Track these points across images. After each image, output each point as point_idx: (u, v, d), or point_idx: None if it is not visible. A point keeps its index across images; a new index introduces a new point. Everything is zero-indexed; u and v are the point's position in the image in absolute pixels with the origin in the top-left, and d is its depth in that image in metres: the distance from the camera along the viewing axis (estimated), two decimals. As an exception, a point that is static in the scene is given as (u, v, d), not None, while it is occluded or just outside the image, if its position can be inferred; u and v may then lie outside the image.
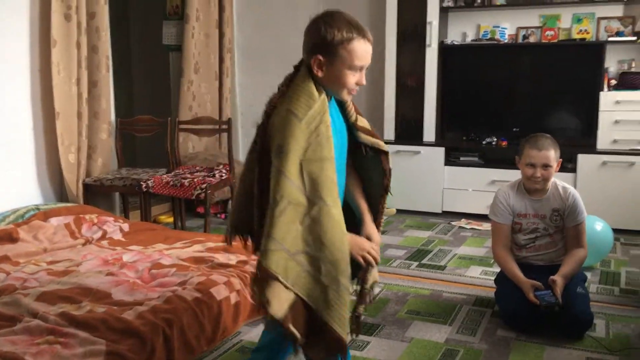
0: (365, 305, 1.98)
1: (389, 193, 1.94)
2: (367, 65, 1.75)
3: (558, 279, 2.62)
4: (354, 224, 1.87)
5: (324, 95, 1.72)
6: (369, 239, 1.86)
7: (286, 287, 1.64)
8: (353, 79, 1.73)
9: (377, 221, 1.95)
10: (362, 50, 1.70)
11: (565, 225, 2.81)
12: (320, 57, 1.70)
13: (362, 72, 1.75)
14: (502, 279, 2.86)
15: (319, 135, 1.66)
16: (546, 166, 2.71)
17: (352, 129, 1.90)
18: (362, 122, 1.92)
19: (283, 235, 1.62)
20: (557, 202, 2.79)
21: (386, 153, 1.93)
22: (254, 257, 3.01)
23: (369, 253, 1.82)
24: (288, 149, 1.63)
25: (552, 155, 2.71)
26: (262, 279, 1.63)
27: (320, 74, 1.72)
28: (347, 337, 1.72)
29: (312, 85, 1.72)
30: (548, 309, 2.55)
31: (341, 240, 1.67)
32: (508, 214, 2.82)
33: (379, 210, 1.96)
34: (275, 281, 1.63)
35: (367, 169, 1.96)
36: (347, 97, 1.80)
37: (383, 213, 1.97)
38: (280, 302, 1.64)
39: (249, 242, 1.96)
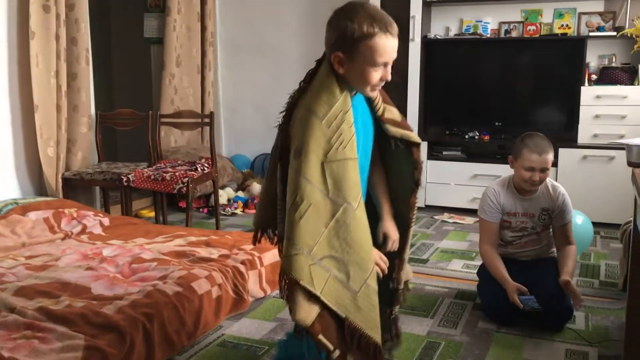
0: (399, 305, 1.96)
1: (419, 186, 1.82)
2: (393, 60, 1.66)
3: (568, 279, 2.60)
4: (375, 219, 1.82)
5: (346, 92, 1.64)
6: (386, 235, 1.83)
7: (312, 295, 1.56)
8: (376, 75, 1.64)
9: (408, 216, 1.85)
10: (384, 46, 1.59)
11: (553, 224, 2.80)
12: (341, 54, 1.61)
13: (387, 68, 1.66)
14: (484, 273, 2.87)
15: (342, 135, 1.58)
16: (545, 170, 2.68)
17: (379, 122, 1.80)
18: (391, 112, 1.81)
19: (305, 240, 1.55)
20: (547, 201, 2.78)
21: (418, 145, 1.83)
22: (235, 250, 3.02)
23: (376, 264, 1.71)
24: (308, 150, 1.56)
25: (551, 157, 2.68)
26: (288, 286, 1.56)
27: (341, 70, 1.63)
28: (380, 341, 1.67)
29: (334, 81, 1.63)
30: (530, 313, 2.56)
31: (367, 242, 1.63)
32: (497, 212, 2.79)
33: (410, 205, 1.84)
34: (299, 288, 1.55)
35: (397, 162, 1.87)
36: (371, 94, 1.72)
37: (415, 208, 1.86)
38: (306, 310, 1.56)
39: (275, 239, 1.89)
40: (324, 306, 1.58)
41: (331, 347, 1.59)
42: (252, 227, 1.96)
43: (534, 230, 2.82)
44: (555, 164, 4.52)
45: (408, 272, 1.96)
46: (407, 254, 1.95)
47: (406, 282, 1.96)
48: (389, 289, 1.89)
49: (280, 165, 1.69)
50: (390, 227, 1.84)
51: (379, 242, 1.82)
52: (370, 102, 1.79)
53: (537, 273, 2.75)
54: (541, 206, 2.77)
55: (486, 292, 2.81)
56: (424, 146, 4.87)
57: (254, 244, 1.96)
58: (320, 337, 1.57)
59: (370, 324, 1.63)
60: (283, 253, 1.60)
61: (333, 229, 1.58)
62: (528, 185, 2.72)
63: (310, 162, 1.55)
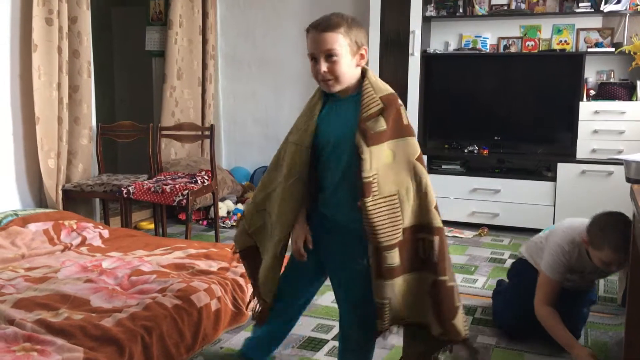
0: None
1: (364, 196, 1.76)
2: (324, 53, 1.82)
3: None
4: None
5: (318, 93, 1.96)
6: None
7: (246, 231, 2.13)
8: (314, 68, 1.86)
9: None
10: (310, 40, 1.85)
11: None
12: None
13: (321, 61, 1.83)
14: (508, 294, 2.85)
15: (298, 124, 1.96)
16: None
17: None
18: (376, 122, 1.80)
19: (259, 191, 2.09)
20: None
21: (363, 158, 1.76)
22: (234, 263, 3.02)
23: (295, 239, 1.99)
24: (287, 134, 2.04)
25: (621, 258, 2.38)
26: (239, 218, 2.15)
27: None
28: (268, 299, 2.09)
29: (320, 88, 1.96)
30: None
31: (285, 214, 1.98)
32: (566, 273, 2.54)
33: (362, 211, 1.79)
34: (241, 222, 2.16)
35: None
36: (326, 89, 1.89)
37: (366, 214, 1.77)
38: (239, 237, 2.19)
39: None
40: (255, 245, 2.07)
41: (248, 271, 2.17)
42: None
43: (579, 285, 2.66)
44: (554, 178, 4.55)
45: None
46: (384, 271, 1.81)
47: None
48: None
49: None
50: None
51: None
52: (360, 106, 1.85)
53: (569, 303, 2.62)
54: (591, 269, 2.55)
55: (508, 315, 2.73)
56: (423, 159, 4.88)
57: None
58: (243, 262, 2.16)
59: (262, 277, 2.03)
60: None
61: (273, 191, 1.98)
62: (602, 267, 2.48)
63: (284, 141, 2.00)
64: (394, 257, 1.79)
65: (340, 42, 1.81)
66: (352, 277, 1.94)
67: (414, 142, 1.85)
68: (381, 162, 1.78)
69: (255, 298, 2.19)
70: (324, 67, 1.82)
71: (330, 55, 1.81)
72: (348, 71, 1.84)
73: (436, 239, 1.84)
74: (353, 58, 1.85)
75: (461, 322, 1.86)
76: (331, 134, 1.87)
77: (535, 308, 2.54)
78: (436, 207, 1.88)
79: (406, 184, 1.82)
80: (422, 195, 1.84)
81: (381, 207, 1.77)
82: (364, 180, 1.75)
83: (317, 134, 1.89)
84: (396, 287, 1.81)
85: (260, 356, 2.32)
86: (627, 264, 2.31)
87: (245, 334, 2.69)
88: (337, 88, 1.86)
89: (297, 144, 1.91)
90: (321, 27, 1.81)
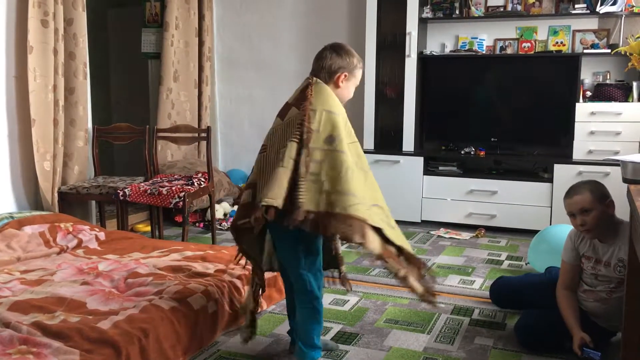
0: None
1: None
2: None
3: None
4: None
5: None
6: None
7: (373, 228, 2.07)
8: (353, 91, 2.35)
9: None
10: (360, 75, 2.35)
11: None
12: (347, 74, 2.27)
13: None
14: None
15: (347, 125, 2.20)
16: (584, 211, 2.46)
17: None
18: None
19: (359, 192, 2.09)
20: (625, 251, 2.37)
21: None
22: (231, 265, 3.01)
23: None
24: (339, 137, 2.12)
25: (584, 198, 2.46)
26: (355, 227, 2.03)
27: (341, 85, 2.27)
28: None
29: (333, 93, 2.24)
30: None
31: (380, 192, 2.23)
32: (573, 251, 2.59)
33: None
34: (366, 227, 2.04)
35: None
36: (344, 102, 2.32)
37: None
38: (375, 242, 2.08)
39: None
40: (384, 239, 2.11)
41: (399, 268, 2.12)
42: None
43: (609, 281, 2.51)
44: (550, 179, 4.55)
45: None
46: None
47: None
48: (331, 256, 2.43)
49: (301, 148, 2.11)
50: None
51: None
52: None
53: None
54: (619, 256, 2.46)
55: (528, 311, 2.73)
56: (420, 161, 4.89)
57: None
58: (390, 261, 2.10)
59: (406, 243, 2.19)
60: (345, 204, 2.04)
61: (366, 185, 2.15)
62: (582, 232, 2.54)
63: (343, 143, 2.12)
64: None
65: None
66: None
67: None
68: None
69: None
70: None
71: None
72: None
73: None
74: None
75: None
76: None
77: (556, 291, 2.64)
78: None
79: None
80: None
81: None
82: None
83: None
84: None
85: None
86: (589, 213, 2.45)
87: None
88: None
89: (356, 142, 2.25)
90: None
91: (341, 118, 2.17)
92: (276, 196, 2.04)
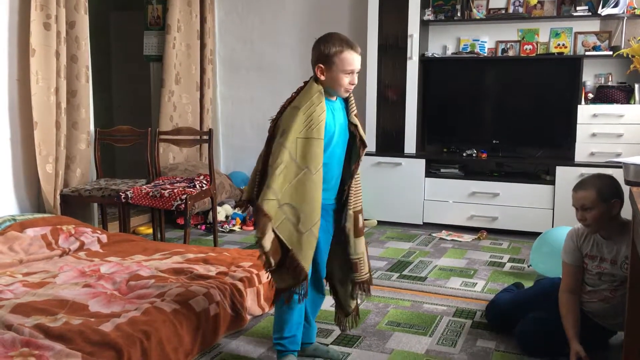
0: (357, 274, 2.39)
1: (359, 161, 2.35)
2: (358, 70, 2.25)
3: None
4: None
5: (319, 93, 2.21)
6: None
7: (272, 229, 2.14)
8: (347, 79, 2.23)
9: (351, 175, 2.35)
10: (350, 58, 2.21)
11: None
12: (322, 65, 2.22)
13: (354, 75, 2.24)
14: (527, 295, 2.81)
15: (312, 121, 2.16)
16: (585, 208, 2.45)
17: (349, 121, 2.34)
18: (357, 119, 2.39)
19: (279, 189, 2.13)
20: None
21: (365, 145, 2.38)
22: (233, 268, 3.01)
23: None
24: (289, 130, 2.15)
25: (588, 195, 2.44)
26: (262, 221, 2.11)
27: (322, 77, 2.22)
28: (308, 270, 2.21)
29: (315, 86, 2.22)
30: None
31: (318, 200, 2.17)
32: (575, 252, 2.56)
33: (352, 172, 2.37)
34: (269, 222, 2.11)
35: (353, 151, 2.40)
36: (344, 94, 2.29)
37: (355, 172, 2.36)
38: (269, 239, 2.13)
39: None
40: (275, 237, 2.16)
41: (272, 263, 2.16)
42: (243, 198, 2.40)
43: (612, 280, 2.50)
44: (552, 181, 4.55)
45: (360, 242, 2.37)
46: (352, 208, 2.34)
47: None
48: (348, 261, 2.38)
49: (266, 147, 2.25)
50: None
51: (342, 223, 2.34)
52: (347, 104, 2.36)
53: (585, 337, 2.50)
54: (625, 253, 2.43)
55: (528, 317, 2.65)
56: (421, 163, 4.89)
57: (243, 211, 2.47)
58: (270, 256, 2.14)
59: (306, 259, 2.18)
60: (263, 196, 2.13)
61: (294, 185, 2.16)
62: (583, 226, 2.53)
63: (290, 137, 2.15)
64: (362, 220, 2.39)
65: None
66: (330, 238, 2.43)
67: None
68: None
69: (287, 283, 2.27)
70: (355, 79, 2.27)
71: (357, 72, 2.28)
72: None
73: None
74: None
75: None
76: (334, 128, 2.27)
77: (558, 295, 2.58)
78: None
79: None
80: None
81: (356, 181, 2.37)
82: (360, 160, 2.35)
83: (325, 131, 2.22)
84: (363, 244, 2.38)
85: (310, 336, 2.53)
86: (590, 211, 2.43)
87: (244, 338, 2.68)
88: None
89: (318, 138, 2.17)
90: (358, 49, 2.25)
91: (302, 113, 2.16)
92: (246, 191, 2.36)
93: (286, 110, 2.24)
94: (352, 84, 2.26)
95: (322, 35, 2.27)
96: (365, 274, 2.39)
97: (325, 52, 2.21)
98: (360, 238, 2.36)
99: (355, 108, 2.37)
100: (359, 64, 2.25)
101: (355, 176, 2.35)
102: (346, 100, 2.36)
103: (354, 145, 2.35)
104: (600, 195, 2.44)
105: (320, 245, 2.31)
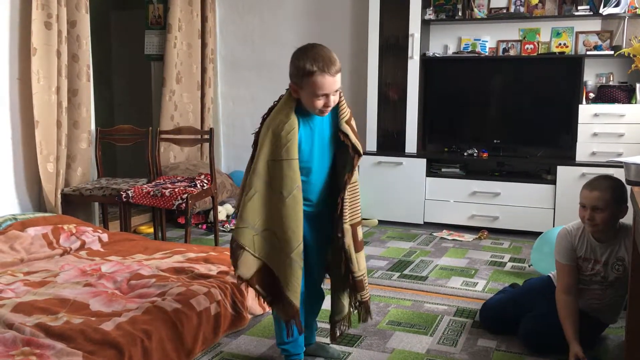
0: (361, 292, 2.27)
1: (353, 172, 2.19)
2: (333, 91, 2.04)
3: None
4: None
5: (290, 109, 2.08)
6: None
7: (254, 256, 2.11)
8: (319, 102, 2.04)
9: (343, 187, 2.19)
10: (321, 82, 2.00)
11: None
12: (294, 85, 2.07)
13: (329, 97, 2.04)
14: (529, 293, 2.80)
15: (280, 141, 2.04)
16: (595, 209, 2.44)
17: (340, 128, 2.17)
18: (351, 125, 2.20)
19: (251, 217, 2.08)
20: (624, 250, 2.49)
21: (360, 154, 2.20)
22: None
23: None
24: (260, 153, 2.08)
25: (603, 196, 2.42)
26: (234, 250, 2.12)
27: (296, 96, 2.08)
28: (297, 304, 2.12)
29: (290, 103, 2.09)
30: None
31: (295, 224, 2.06)
32: (570, 252, 2.55)
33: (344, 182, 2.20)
34: (244, 251, 2.09)
35: (343, 159, 2.24)
36: (320, 115, 2.11)
37: (347, 183, 2.19)
38: (247, 267, 2.11)
39: None
40: (263, 265, 2.12)
41: (263, 293, 2.15)
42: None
43: (603, 280, 2.54)
44: (554, 181, 4.54)
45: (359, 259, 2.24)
46: (348, 221, 2.19)
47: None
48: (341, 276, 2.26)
49: (249, 162, 2.17)
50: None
51: (340, 238, 2.19)
52: (336, 111, 2.17)
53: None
54: (618, 255, 2.50)
55: (528, 316, 2.65)
56: (422, 163, 4.89)
57: None
58: (256, 286, 2.14)
59: (290, 288, 2.09)
60: (235, 226, 2.12)
61: (270, 210, 2.08)
62: (586, 225, 2.51)
63: (260, 161, 2.07)
64: (361, 232, 2.26)
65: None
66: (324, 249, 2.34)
67: None
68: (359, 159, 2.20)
69: (277, 306, 2.21)
70: (332, 100, 2.07)
71: (336, 91, 2.08)
72: None
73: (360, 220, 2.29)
74: None
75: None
76: (312, 143, 2.14)
77: (555, 296, 2.56)
78: None
79: (357, 177, 2.25)
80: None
81: (351, 191, 2.20)
82: (354, 170, 2.17)
83: (301, 149, 2.10)
84: (364, 257, 2.26)
85: (311, 337, 2.51)
86: (600, 212, 2.42)
87: (245, 337, 2.68)
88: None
89: (289, 159, 2.05)
90: (334, 70, 2.02)
91: (271, 133, 2.05)
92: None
93: (263, 129, 2.12)
94: (327, 107, 2.07)
95: (301, 46, 2.09)
96: (368, 292, 2.31)
97: (297, 71, 2.03)
98: (361, 253, 2.24)
99: (346, 113, 2.17)
100: (334, 86, 2.03)
101: (350, 186, 2.17)
102: (336, 106, 2.16)
103: (348, 154, 2.17)
104: (615, 198, 2.43)
105: (309, 245, 2.21)
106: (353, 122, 2.20)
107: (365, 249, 2.42)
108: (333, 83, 2.02)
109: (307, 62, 2.00)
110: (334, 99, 2.07)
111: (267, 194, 2.07)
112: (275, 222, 2.07)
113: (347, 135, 2.15)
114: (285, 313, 2.14)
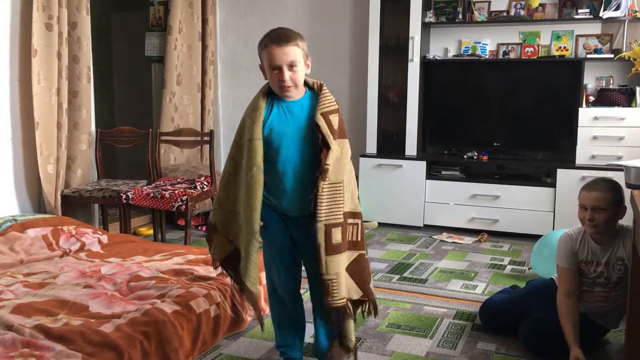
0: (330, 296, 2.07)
1: (323, 176, 2.04)
2: (287, 64, 2.03)
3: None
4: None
5: (262, 94, 2.14)
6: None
7: (226, 238, 2.18)
8: (275, 77, 2.06)
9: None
10: (275, 53, 2.03)
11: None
12: (260, 66, 2.14)
13: (282, 71, 2.04)
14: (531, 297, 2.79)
15: (246, 122, 2.12)
16: (596, 209, 2.46)
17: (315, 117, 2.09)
18: (333, 119, 2.10)
19: (224, 198, 2.17)
20: (624, 250, 2.51)
21: (328, 149, 2.06)
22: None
23: None
24: (235, 140, 2.17)
25: (604, 197, 2.45)
26: (208, 230, 2.24)
27: (265, 78, 2.13)
28: (255, 290, 2.12)
29: (263, 88, 2.15)
30: None
31: (253, 204, 2.04)
32: (571, 256, 2.56)
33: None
34: (217, 231, 2.19)
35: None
36: (283, 94, 2.10)
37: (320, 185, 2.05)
38: (219, 247, 2.21)
39: None
40: (235, 249, 2.16)
41: (234, 275, 2.22)
42: None
43: (607, 282, 2.55)
44: (553, 184, 4.54)
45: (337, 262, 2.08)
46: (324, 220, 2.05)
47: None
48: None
49: None
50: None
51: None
52: (317, 101, 2.12)
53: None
54: (618, 255, 2.52)
55: (529, 319, 2.65)
56: (422, 165, 4.89)
57: None
58: (228, 270, 2.23)
59: (245, 272, 2.09)
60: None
61: (237, 191, 2.12)
62: (586, 226, 2.52)
63: (233, 147, 2.17)
64: (338, 235, 2.06)
65: (298, 53, 2.06)
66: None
67: (348, 145, 2.16)
68: (334, 154, 2.06)
69: (248, 303, 2.29)
70: (287, 76, 2.05)
71: (292, 66, 2.06)
72: (302, 78, 2.11)
73: (359, 221, 2.19)
74: (305, 67, 2.11)
75: (372, 284, 2.24)
76: (284, 130, 2.10)
77: (556, 300, 2.57)
78: (357, 197, 2.25)
79: (346, 176, 2.12)
80: (353, 187, 2.19)
81: (330, 191, 2.05)
82: (326, 166, 2.03)
83: (272, 132, 2.09)
84: (341, 263, 2.08)
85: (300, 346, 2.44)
86: (601, 212, 2.44)
87: (245, 340, 2.68)
88: (294, 93, 2.12)
89: (252, 139, 2.06)
90: (283, 41, 2.03)
91: (244, 117, 2.15)
92: None
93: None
94: (282, 81, 2.05)
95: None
96: (340, 299, 2.06)
97: (258, 50, 2.10)
98: (334, 257, 2.04)
99: (326, 105, 2.08)
100: (284, 57, 2.02)
101: (331, 186, 2.03)
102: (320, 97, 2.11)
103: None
104: (615, 198, 2.46)
105: (300, 251, 2.22)
106: (336, 118, 2.09)
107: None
108: (283, 54, 2.02)
109: (263, 38, 2.07)
110: (290, 75, 2.05)
111: (236, 176, 2.14)
112: (239, 202, 2.12)
113: (318, 126, 2.05)
114: (247, 298, 2.18)
